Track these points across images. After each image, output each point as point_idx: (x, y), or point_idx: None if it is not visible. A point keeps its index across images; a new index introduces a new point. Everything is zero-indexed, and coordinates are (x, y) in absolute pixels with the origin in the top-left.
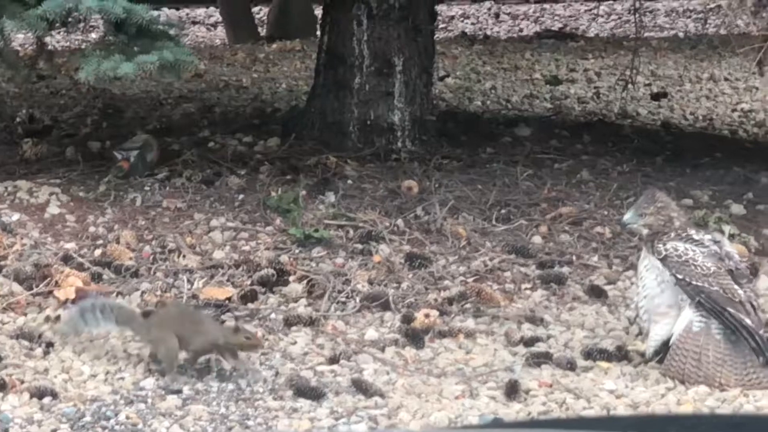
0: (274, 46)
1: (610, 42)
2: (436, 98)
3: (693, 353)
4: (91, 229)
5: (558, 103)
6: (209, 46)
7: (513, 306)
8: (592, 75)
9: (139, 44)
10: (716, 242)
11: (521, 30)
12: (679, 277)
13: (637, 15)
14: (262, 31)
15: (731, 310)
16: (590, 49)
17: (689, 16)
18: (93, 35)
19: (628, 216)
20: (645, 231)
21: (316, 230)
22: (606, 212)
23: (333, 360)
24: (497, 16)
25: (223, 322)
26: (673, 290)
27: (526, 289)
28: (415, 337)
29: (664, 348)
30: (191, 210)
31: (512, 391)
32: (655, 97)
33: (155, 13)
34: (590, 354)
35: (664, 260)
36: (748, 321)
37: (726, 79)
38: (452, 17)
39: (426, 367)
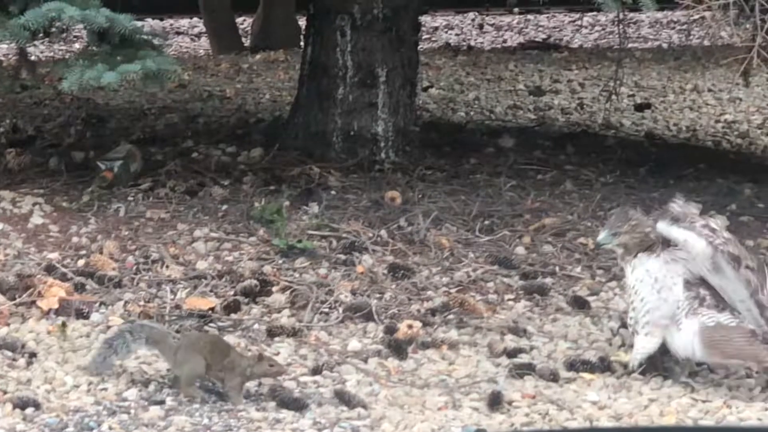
0: (258, 56)
1: (593, 53)
2: (419, 109)
3: (724, 339)
4: (75, 239)
5: (541, 114)
6: (193, 57)
7: (496, 317)
8: (576, 86)
9: (123, 54)
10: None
11: (505, 41)
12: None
13: (620, 26)
14: (246, 42)
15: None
16: (574, 59)
17: (673, 27)
18: (76, 45)
19: (602, 236)
20: (621, 251)
21: (300, 241)
22: (589, 223)
23: (316, 371)
24: (481, 26)
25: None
26: (674, 296)
27: (509, 300)
28: (398, 348)
29: (648, 361)
30: (175, 220)
31: (495, 402)
32: (639, 108)
33: (138, 22)
34: (573, 365)
35: (715, 249)
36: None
37: (710, 90)
38: (436, 28)
39: (409, 378)
